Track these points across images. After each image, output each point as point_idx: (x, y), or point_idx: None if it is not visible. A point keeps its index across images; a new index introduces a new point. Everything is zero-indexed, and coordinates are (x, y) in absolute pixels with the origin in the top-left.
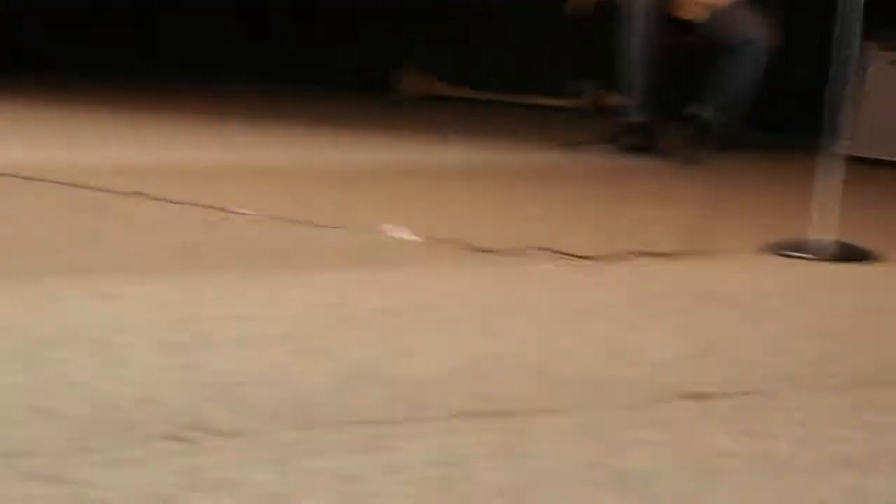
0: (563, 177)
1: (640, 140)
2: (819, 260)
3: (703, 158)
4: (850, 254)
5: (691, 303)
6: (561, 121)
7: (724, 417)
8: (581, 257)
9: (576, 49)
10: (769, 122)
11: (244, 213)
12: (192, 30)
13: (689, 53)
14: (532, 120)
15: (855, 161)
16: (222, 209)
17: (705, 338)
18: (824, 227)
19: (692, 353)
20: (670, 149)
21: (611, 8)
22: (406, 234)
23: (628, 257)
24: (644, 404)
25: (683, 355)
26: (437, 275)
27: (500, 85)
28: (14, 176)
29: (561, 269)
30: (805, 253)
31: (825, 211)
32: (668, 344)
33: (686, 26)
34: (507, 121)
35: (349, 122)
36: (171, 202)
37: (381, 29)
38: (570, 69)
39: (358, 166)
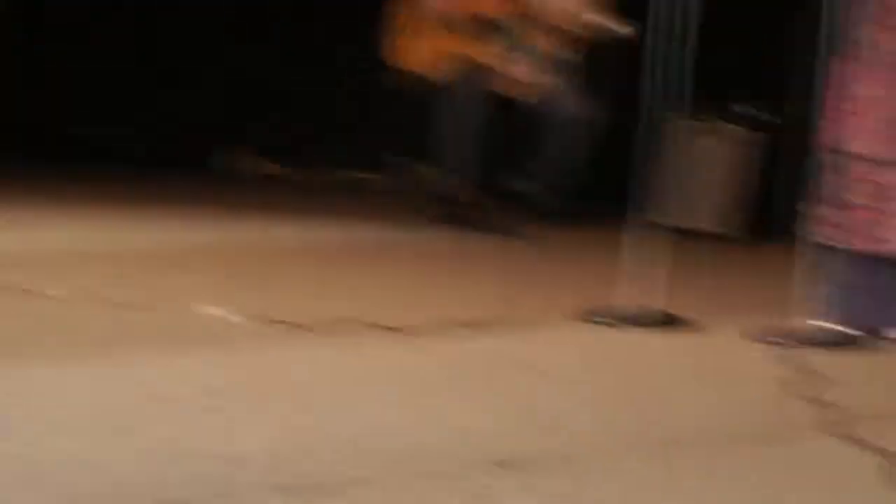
0: (385, 252)
1: (461, 214)
2: (631, 327)
3: (525, 232)
4: (662, 321)
5: (505, 372)
6: (383, 196)
7: (535, 485)
8: (398, 330)
9: (397, 124)
10: (589, 193)
11: (56, 295)
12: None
13: (511, 128)
14: (354, 196)
15: (667, 230)
16: (30, 291)
17: (518, 406)
18: (637, 296)
19: (505, 421)
20: (492, 222)
21: (431, 83)
22: (226, 314)
23: (447, 328)
24: (456, 472)
25: (496, 423)
26: (253, 352)
27: (323, 162)
28: None
29: (379, 342)
30: (618, 321)
31: (638, 280)
32: (480, 412)
33: (510, 103)
34: (330, 198)
35: (173, 201)
36: None
37: (205, 107)
38: (392, 144)
39: (181, 245)
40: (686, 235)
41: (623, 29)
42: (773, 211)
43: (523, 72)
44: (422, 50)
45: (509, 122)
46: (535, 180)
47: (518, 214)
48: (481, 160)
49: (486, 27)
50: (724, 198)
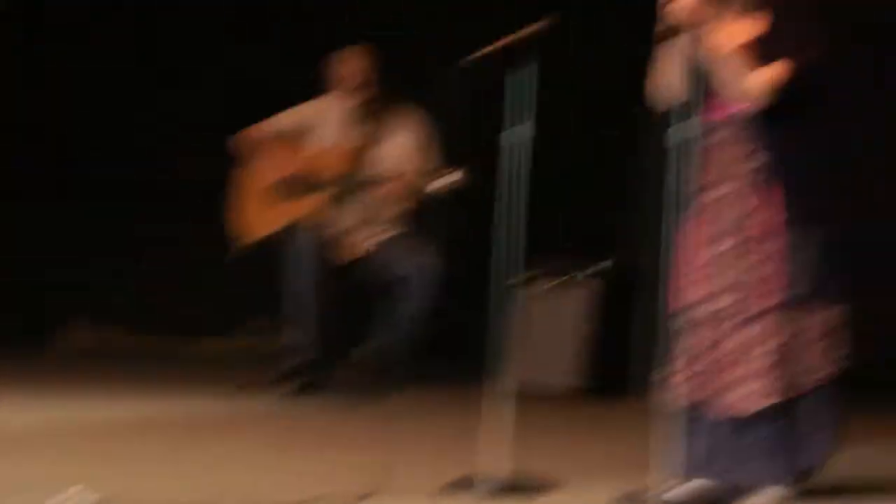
0: (240, 422)
1: (312, 380)
2: (500, 496)
3: (376, 396)
4: (528, 487)
5: None
6: (234, 363)
7: None
8: None
9: (246, 289)
10: (438, 354)
11: None
12: None
13: (354, 292)
14: (205, 364)
15: (520, 390)
16: None
17: None
18: (498, 461)
19: None
20: (343, 388)
21: (276, 248)
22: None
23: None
24: None
25: None
26: None
27: (171, 330)
28: None
29: None
30: (482, 488)
31: (495, 445)
32: None
33: (349, 266)
34: (180, 367)
35: (10, 382)
36: None
37: (44, 282)
38: (242, 310)
39: (22, 427)
40: (540, 393)
41: (451, 177)
42: (627, 365)
43: (360, 229)
44: (264, 215)
45: (351, 283)
46: (380, 341)
47: (369, 378)
48: (326, 323)
49: (323, 186)
50: (575, 354)
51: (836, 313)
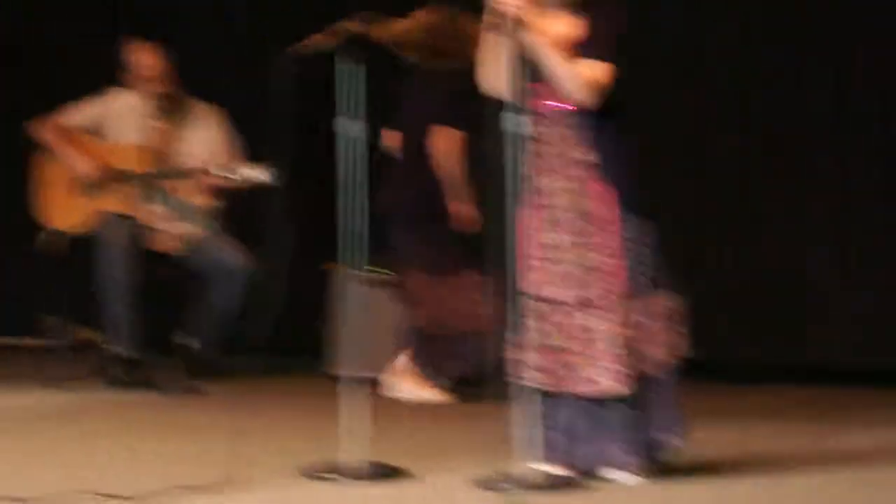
0: (59, 417)
1: (127, 374)
2: (356, 481)
3: (197, 388)
4: (383, 473)
5: None
6: (35, 359)
7: None
8: (125, 498)
9: (46, 284)
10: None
11: None
12: None
13: (170, 284)
14: (13, 361)
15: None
16: None
17: None
18: (350, 448)
19: None
20: (159, 381)
21: (85, 241)
22: None
23: (171, 493)
24: None
25: None
26: None
27: None
28: None
29: None
30: (339, 474)
31: (346, 432)
32: None
33: (163, 258)
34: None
35: None
36: None
37: None
38: (41, 305)
39: None
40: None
41: (261, 175)
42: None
43: (167, 223)
44: (67, 207)
45: (163, 275)
46: (193, 332)
47: (187, 370)
48: (135, 315)
49: (126, 180)
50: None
51: (674, 303)
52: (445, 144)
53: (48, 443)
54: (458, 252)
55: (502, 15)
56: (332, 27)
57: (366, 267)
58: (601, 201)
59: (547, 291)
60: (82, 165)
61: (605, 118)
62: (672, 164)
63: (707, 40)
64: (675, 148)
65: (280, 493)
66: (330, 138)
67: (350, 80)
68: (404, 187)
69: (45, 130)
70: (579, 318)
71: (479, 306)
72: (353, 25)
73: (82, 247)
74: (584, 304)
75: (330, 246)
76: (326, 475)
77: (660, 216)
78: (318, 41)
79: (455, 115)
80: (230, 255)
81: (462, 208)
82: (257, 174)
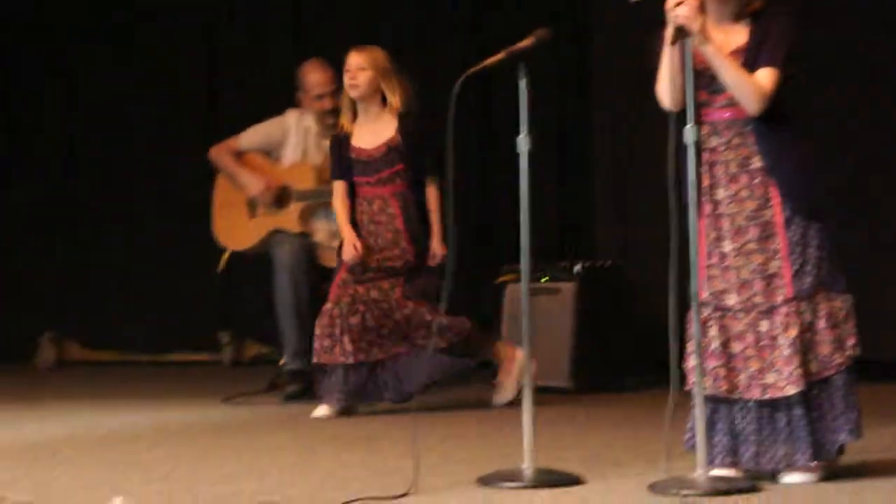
0: (242, 429)
1: (300, 387)
2: (537, 488)
3: (368, 400)
4: (560, 480)
5: None
6: (212, 375)
7: None
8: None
9: (222, 301)
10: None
11: None
12: None
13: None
14: (178, 376)
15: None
16: None
17: None
18: (525, 456)
19: None
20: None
21: (259, 260)
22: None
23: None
24: None
25: None
26: None
27: (143, 344)
28: None
29: None
30: (517, 483)
31: (521, 440)
32: None
33: (332, 273)
34: (157, 379)
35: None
36: None
37: (17, 296)
38: (217, 322)
39: (37, 440)
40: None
41: None
42: (606, 362)
43: (338, 240)
44: (243, 228)
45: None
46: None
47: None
48: (308, 331)
49: (298, 199)
50: (561, 353)
51: (842, 304)
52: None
53: (229, 455)
54: None
55: (678, 27)
56: (509, 47)
57: (537, 276)
58: (776, 207)
59: (725, 299)
60: (256, 186)
61: (779, 125)
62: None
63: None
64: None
65: (464, 502)
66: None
67: (525, 98)
68: None
69: (220, 153)
70: (756, 323)
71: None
72: (526, 44)
73: (257, 265)
74: (761, 310)
75: (489, 256)
76: (506, 484)
77: (832, 216)
78: (493, 60)
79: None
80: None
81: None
82: None
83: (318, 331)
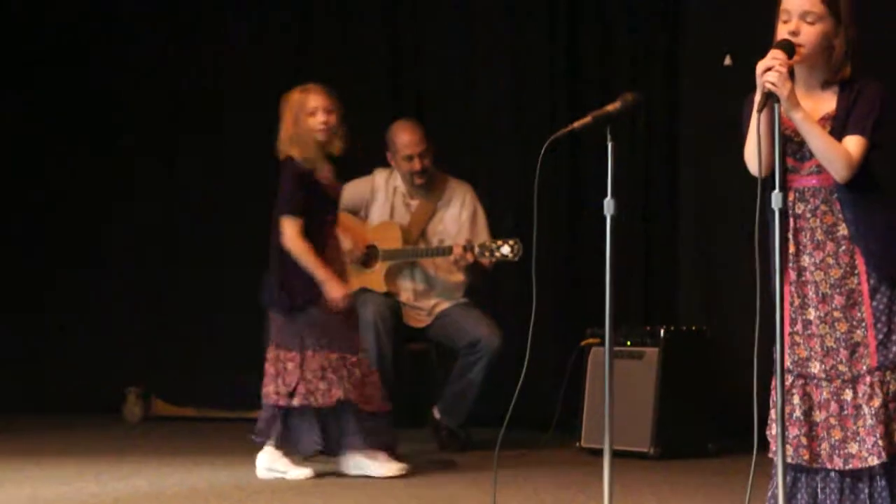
0: (322, 487)
1: (386, 442)
2: None
3: (449, 460)
4: None
5: None
6: None
7: None
8: None
9: None
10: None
11: None
12: None
13: (422, 358)
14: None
15: (589, 452)
16: None
17: None
18: None
19: None
20: (411, 454)
21: None
22: None
23: None
24: None
25: None
26: None
27: (226, 401)
28: None
29: None
30: None
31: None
32: None
33: (416, 332)
34: (240, 437)
35: (82, 452)
36: None
37: (104, 352)
38: None
39: (107, 496)
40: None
41: (510, 252)
42: (688, 428)
43: (421, 299)
44: None
45: (416, 349)
46: (444, 405)
47: (441, 443)
48: (390, 389)
49: (384, 258)
50: (643, 417)
51: None
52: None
53: None
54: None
55: (767, 92)
56: (596, 111)
57: (621, 340)
58: (862, 276)
59: (808, 366)
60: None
61: (866, 193)
62: None
63: None
64: None
65: None
66: (574, 214)
67: (611, 161)
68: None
69: None
70: (839, 392)
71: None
72: (613, 107)
73: None
74: (845, 379)
75: (574, 319)
76: None
77: None
78: (580, 124)
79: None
80: (480, 329)
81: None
82: (507, 251)
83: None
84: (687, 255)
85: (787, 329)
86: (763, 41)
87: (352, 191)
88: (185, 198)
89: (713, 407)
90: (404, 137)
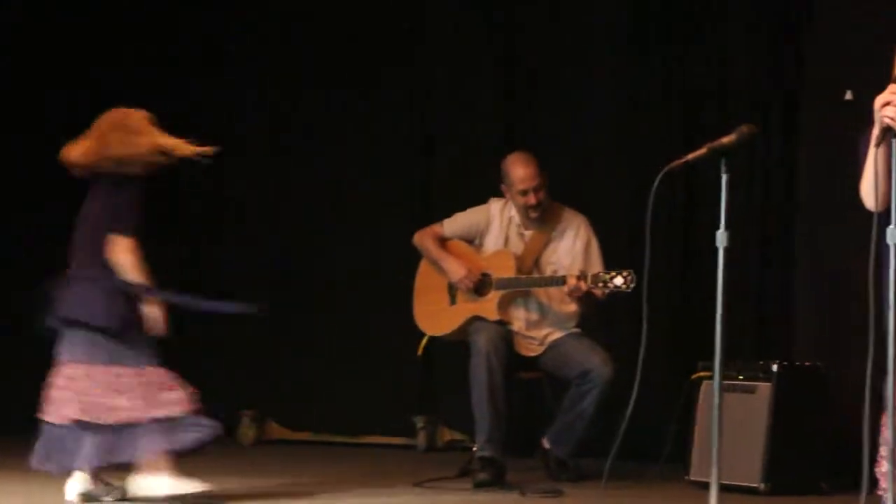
0: None
1: (490, 475)
2: None
3: (558, 490)
4: None
5: None
6: (406, 459)
7: None
8: None
9: (418, 385)
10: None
11: None
12: None
13: (533, 387)
14: (373, 459)
15: (698, 486)
16: None
17: None
18: None
19: None
20: (520, 483)
21: (458, 346)
22: None
23: None
24: None
25: None
26: None
27: (339, 426)
28: None
29: None
30: None
31: None
32: None
33: (528, 361)
34: (352, 461)
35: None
36: None
37: (218, 373)
38: (412, 406)
39: None
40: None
41: (624, 283)
42: (800, 464)
43: (534, 329)
44: (443, 314)
45: (528, 378)
46: (555, 435)
47: (551, 473)
48: (501, 418)
49: (497, 287)
50: (754, 452)
51: None
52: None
53: None
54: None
55: (885, 127)
56: (712, 142)
57: (733, 374)
58: None
59: None
60: (458, 272)
61: None
62: None
63: None
64: None
65: None
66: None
67: (725, 193)
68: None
69: (424, 238)
70: None
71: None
72: (729, 140)
73: (455, 351)
74: None
75: (685, 352)
76: None
77: None
78: (695, 155)
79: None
80: (591, 360)
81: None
82: (620, 282)
83: None
84: (803, 289)
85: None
86: (883, 77)
87: (466, 219)
88: (308, 220)
89: (826, 444)
90: (519, 172)
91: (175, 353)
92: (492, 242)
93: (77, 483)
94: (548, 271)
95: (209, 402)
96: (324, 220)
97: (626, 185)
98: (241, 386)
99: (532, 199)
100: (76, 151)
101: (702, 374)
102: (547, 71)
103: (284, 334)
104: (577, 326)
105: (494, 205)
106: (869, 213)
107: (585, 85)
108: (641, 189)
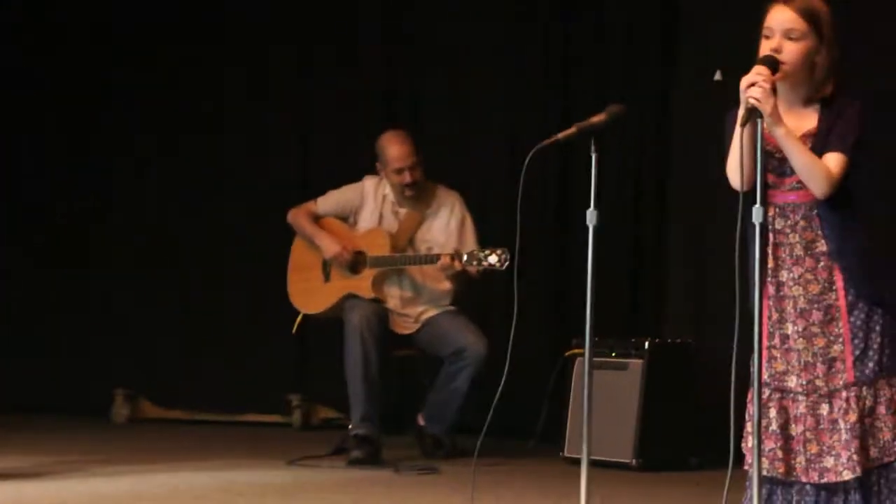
0: (305, 492)
1: (365, 452)
2: None
3: (432, 467)
4: None
5: None
6: (279, 437)
7: None
8: None
9: (292, 364)
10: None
11: None
12: None
13: (407, 365)
14: (248, 437)
15: (572, 462)
16: None
17: None
18: None
19: None
20: (395, 460)
21: (331, 323)
22: None
23: None
24: None
25: None
26: None
27: (213, 404)
28: None
29: None
30: None
31: None
32: None
33: (402, 339)
34: (226, 440)
35: (65, 452)
36: None
37: (92, 351)
38: (287, 384)
39: (91, 495)
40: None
41: (497, 260)
42: (681, 441)
43: (408, 307)
44: (317, 291)
45: (402, 356)
46: (429, 413)
47: (425, 450)
48: (375, 396)
49: (371, 265)
50: (626, 429)
51: None
52: None
53: None
54: None
55: (750, 108)
56: (582, 122)
57: (605, 351)
58: (840, 291)
59: (785, 380)
60: (332, 248)
61: (845, 210)
62: None
63: None
64: None
65: None
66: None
67: (595, 172)
68: None
69: (298, 216)
70: (816, 406)
71: None
72: (598, 119)
73: (329, 328)
74: (821, 393)
75: (558, 329)
76: None
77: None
78: (565, 135)
79: None
80: (466, 337)
81: None
82: (494, 260)
83: None
84: (675, 268)
85: (766, 343)
86: (750, 57)
87: (340, 196)
88: (183, 197)
89: (696, 420)
90: (394, 150)
91: (52, 329)
92: (366, 220)
93: None
94: (422, 249)
95: (83, 379)
96: (200, 197)
97: (502, 163)
98: (115, 365)
99: (407, 178)
100: None
101: (575, 350)
102: (424, 47)
103: (159, 311)
104: (452, 304)
105: (369, 182)
106: (736, 193)
107: (463, 62)
108: (518, 168)
